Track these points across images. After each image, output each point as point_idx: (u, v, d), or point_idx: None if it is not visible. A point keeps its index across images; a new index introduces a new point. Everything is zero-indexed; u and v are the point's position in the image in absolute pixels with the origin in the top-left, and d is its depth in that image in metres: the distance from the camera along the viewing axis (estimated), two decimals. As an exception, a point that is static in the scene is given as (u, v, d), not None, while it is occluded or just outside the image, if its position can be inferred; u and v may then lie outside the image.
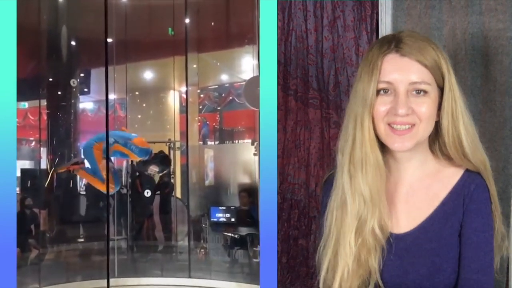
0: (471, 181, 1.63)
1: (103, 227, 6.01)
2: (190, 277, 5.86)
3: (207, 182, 7.00)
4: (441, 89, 1.60)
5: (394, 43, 1.60)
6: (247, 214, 6.23)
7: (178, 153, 6.90)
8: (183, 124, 6.70)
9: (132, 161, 6.58)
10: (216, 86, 7.58)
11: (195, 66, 6.78)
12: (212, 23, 6.88)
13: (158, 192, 6.86)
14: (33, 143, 7.00)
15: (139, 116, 7.54)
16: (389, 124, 1.58)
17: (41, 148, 6.46)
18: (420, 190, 1.67)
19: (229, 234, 6.15)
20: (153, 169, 6.29)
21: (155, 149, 6.20)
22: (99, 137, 5.60)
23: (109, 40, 5.84)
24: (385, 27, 2.78)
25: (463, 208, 1.61)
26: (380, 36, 2.74)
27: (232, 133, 7.64)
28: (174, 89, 7.21)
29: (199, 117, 7.30)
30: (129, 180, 6.67)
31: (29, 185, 6.39)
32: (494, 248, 1.63)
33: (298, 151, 3.00)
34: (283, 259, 2.97)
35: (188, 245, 6.39)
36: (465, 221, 1.61)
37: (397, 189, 1.69)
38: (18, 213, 5.49)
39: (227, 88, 7.40)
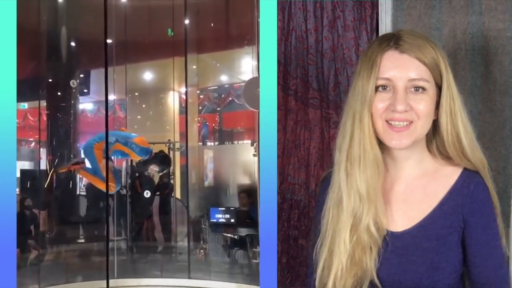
0: (470, 180, 1.63)
1: (103, 227, 6.01)
2: (189, 277, 5.85)
3: (206, 183, 7.00)
4: (439, 88, 1.61)
5: (393, 40, 1.61)
6: (247, 215, 6.22)
7: (177, 154, 6.90)
8: (183, 125, 6.70)
9: (131, 161, 6.58)
10: (216, 87, 7.58)
11: (194, 67, 6.78)
12: (212, 24, 6.89)
13: (158, 193, 6.86)
14: (33, 143, 7.00)
15: (139, 117, 7.54)
16: (387, 121, 1.58)
17: (41, 149, 6.47)
18: (418, 189, 1.67)
19: (229, 235, 6.15)
20: (153, 169, 6.29)
21: (155, 149, 6.19)
22: (100, 136, 5.60)
23: (109, 41, 5.83)
24: (385, 27, 2.78)
25: (463, 208, 1.61)
26: (380, 36, 2.74)
27: (232, 134, 7.65)
28: (173, 90, 7.21)
29: (199, 118, 7.30)
30: (129, 181, 6.66)
31: (28, 185, 6.39)
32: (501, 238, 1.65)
33: (298, 151, 3.00)
34: (283, 259, 2.97)
35: (187, 246, 6.39)
36: (469, 222, 1.61)
37: (394, 188, 1.69)
38: (18, 214, 5.47)
39: (226, 89, 7.41)
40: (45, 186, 6.32)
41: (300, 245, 2.94)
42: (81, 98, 7.17)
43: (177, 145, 6.86)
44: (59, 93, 6.75)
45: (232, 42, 6.89)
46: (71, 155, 6.62)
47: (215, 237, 6.27)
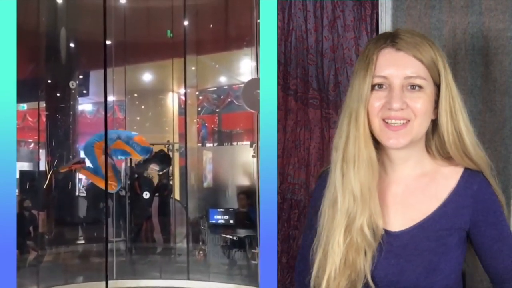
0: (472, 180, 1.63)
1: (102, 229, 6.00)
2: (188, 279, 5.84)
3: (205, 184, 7.00)
4: (437, 87, 1.60)
5: (390, 38, 1.60)
6: (246, 216, 6.21)
7: (176, 155, 6.89)
8: (182, 126, 6.70)
9: (131, 163, 6.58)
10: (215, 88, 7.58)
11: (193, 68, 6.78)
12: (211, 26, 6.88)
13: (157, 194, 6.85)
14: (32, 145, 6.99)
15: (138, 118, 7.54)
16: (384, 120, 1.58)
17: (40, 150, 6.46)
18: (417, 190, 1.67)
19: (228, 236, 6.14)
20: (154, 168, 6.29)
21: (155, 149, 6.19)
22: (100, 135, 5.58)
23: (108, 42, 5.83)
24: (385, 27, 2.79)
25: (468, 209, 1.61)
26: (380, 36, 2.75)
27: (231, 135, 7.64)
28: (172, 91, 7.21)
29: (198, 119, 7.30)
30: (128, 182, 6.65)
31: (27, 186, 6.38)
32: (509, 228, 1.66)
33: (298, 151, 3.00)
34: (283, 259, 2.97)
35: (186, 247, 6.38)
36: (476, 221, 1.61)
37: (393, 189, 1.68)
38: (17, 215, 5.47)
39: (225, 90, 7.41)
40: (44, 187, 6.32)
41: (300, 245, 2.94)
42: (80, 99, 7.17)
43: (176, 146, 6.86)
44: (58, 94, 6.74)
45: (231, 44, 6.89)
46: (70, 156, 6.61)
47: (214, 238, 6.26)
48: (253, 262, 5.69)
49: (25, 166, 6.75)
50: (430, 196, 1.65)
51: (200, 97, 7.33)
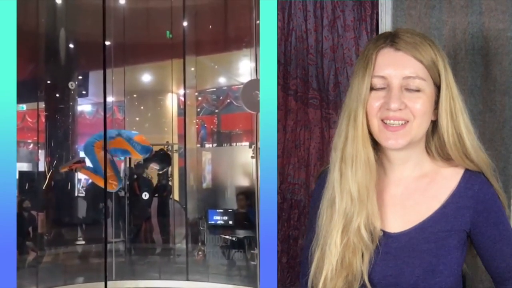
0: (473, 181, 1.62)
1: (101, 229, 6.00)
2: (188, 279, 5.85)
3: (204, 185, 6.99)
4: (437, 87, 1.59)
5: (390, 38, 1.60)
6: (245, 217, 6.21)
7: (176, 155, 6.89)
8: (181, 127, 6.70)
9: (130, 163, 6.58)
10: (214, 89, 7.57)
11: (193, 69, 6.78)
12: (210, 26, 6.88)
13: (156, 195, 6.84)
14: (31, 145, 6.98)
15: (137, 119, 7.53)
16: (382, 121, 1.57)
17: (39, 151, 6.46)
18: (417, 191, 1.66)
19: (227, 237, 6.14)
20: (154, 167, 6.29)
21: (154, 149, 6.20)
22: (100, 135, 5.57)
23: (107, 42, 5.84)
24: (385, 27, 2.79)
25: (469, 210, 1.61)
26: (380, 36, 2.75)
27: (230, 135, 7.63)
28: (172, 92, 7.20)
29: (197, 120, 7.30)
30: (127, 183, 6.65)
31: (27, 187, 6.38)
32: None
33: (298, 151, 3.00)
34: (283, 259, 2.97)
35: (186, 248, 6.38)
36: (478, 222, 1.61)
37: (392, 190, 1.68)
38: (16, 216, 5.47)
39: (225, 91, 7.40)
40: (44, 187, 6.32)
41: (300, 245, 2.95)
42: (79, 100, 7.16)
43: (175, 147, 6.86)
44: (57, 95, 6.74)
45: (230, 44, 6.88)
46: (70, 157, 6.59)
47: (213, 239, 6.25)
48: (252, 262, 5.69)
49: (24, 166, 6.74)
50: (430, 197, 1.64)
51: (199, 98, 7.32)
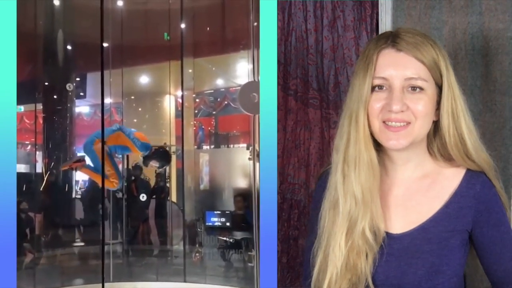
0: (475, 181, 1.62)
1: (99, 231, 5.99)
2: (185, 281, 5.85)
3: (202, 187, 6.98)
4: (439, 87, 1.58)
5: (391, 38, 1.59)
6: (242, 219, 6.21)
7: (173, 157, 6.89)
8: (179, 129, 6.71)
9: (128, 164, 6.57)
10: (212, 91, 7.56)
11: (190, 71, 6.78)
12: (208, 28, 6.88)
13: (154, 196, 6.84)
14: (29, 147, 6.97)
15: (135, 120, 7.51)
16: (384, 122, 1.56)
17: (37, 152, 6.44)
18: (419, 192, 1.66)
19: (224, 239, 6.14)
20: (153, 165, 6.27)
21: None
22: (99, 133, 5.57)
23: (105, 44, 5.82)
24: (385, 27, 2.79)
25: (471, 210, 1.60)
26: (380, 36, 2.75)
27: (228, 137, 7.62)
28: (169, 94, 7.20)
29: (195, 122, 7.29)
30: (125, 184, 6.64)
31: (24, 189, 6.36)
32: None
33: (298, 151, 3.01)
34: (283, 259, 2.97)
35: (183, 250, 6.37)
36: (478, 222, 1.60)
37: (394, 191, 1.67)
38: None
39: (222, 93, 7.39)
40: (41, 189, 6.30)
41: (300, 245, 2.95)
42: (77, 101, 7.14)
43: (173, 149, 6.85)
44: (55, 96, 6.72)
45: (228, 46, 6.88)
46: (67, 158, 6.58)
47: (210, 240, 6.25)
48: (249, 264, 5.68)
49: (22, 168, 6.72)
50: (432, 197, 1.64)
51: (197, 100, 7.32)
